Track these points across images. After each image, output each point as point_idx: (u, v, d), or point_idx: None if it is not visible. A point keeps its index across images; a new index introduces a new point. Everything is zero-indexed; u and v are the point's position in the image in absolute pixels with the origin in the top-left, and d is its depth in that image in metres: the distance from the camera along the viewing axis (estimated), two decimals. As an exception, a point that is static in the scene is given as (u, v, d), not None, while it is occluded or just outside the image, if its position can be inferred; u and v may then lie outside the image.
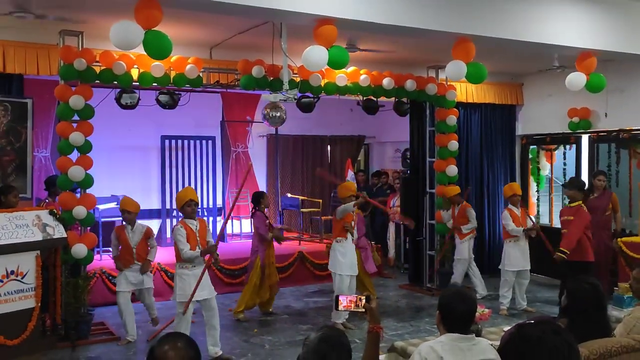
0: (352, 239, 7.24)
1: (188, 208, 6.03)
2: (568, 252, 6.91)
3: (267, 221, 7.65)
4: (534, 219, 8.16)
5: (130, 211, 6.67)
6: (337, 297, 3.09)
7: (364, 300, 3.02)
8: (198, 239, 6.01)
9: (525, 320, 2.43)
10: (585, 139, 9.50)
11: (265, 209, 7.80)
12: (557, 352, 1.91)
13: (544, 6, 6.41)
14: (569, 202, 7.34)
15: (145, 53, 6.59)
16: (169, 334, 2.26)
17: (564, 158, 9.89)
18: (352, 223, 7.24)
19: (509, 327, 3.95)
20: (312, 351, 2.49)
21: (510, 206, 7.84)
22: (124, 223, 6.80)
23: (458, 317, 3.03)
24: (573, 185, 7.43)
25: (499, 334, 4.68)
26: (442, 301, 3.11)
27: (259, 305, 7.72)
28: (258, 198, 7.70)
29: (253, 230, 7.76)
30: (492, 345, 3.12)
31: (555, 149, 10.16)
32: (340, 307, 3.07)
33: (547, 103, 9.96)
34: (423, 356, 2.95)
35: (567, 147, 9.84)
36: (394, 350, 4.66)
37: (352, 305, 3.04)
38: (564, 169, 9.85)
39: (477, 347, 3.03)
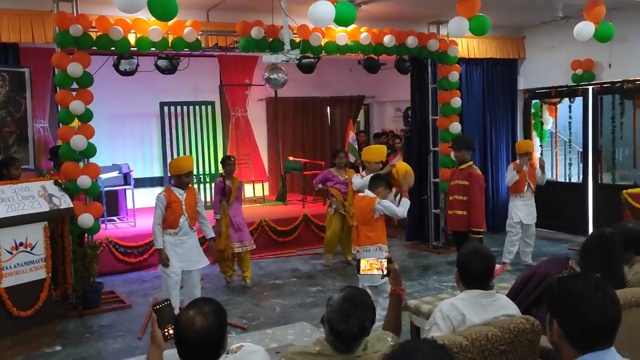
0: None
1: (186, 179, 5.80)
2: (483, 230, 6.64)
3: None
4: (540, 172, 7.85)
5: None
6: (358, 260, 3.07)
7: (385, 263, 3.01)
8: (184, 208, 5.77)
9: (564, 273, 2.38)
10: (590, 91, 9.40)
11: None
12: (600, 308, 1.85)
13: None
14: (459, 164, 6.92)
15: (142, 17, 6.55)
16: (198, 299, 2.24)
17: (570, 111, 9.79)
18: None
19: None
20: (336, 311, 2.48)
21: (517, 161, 7.52)
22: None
23: (476, 274, 3.03)
24: (461, 144, 6.87)
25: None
26: (460, 259, 3.11)
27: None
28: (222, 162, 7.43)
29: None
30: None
31: (558, 103, 10.06)
32: (362, 271, 3.05)
33: (550, 56, 9.82)
34: (445, 313, 2.96)
35: (572, 100, 9.74)
36: (408, 309, 4.66)
37: (374, 268, 3.02)
38: (570, 123, 9.76)
39: (497, 302, 3.03)
